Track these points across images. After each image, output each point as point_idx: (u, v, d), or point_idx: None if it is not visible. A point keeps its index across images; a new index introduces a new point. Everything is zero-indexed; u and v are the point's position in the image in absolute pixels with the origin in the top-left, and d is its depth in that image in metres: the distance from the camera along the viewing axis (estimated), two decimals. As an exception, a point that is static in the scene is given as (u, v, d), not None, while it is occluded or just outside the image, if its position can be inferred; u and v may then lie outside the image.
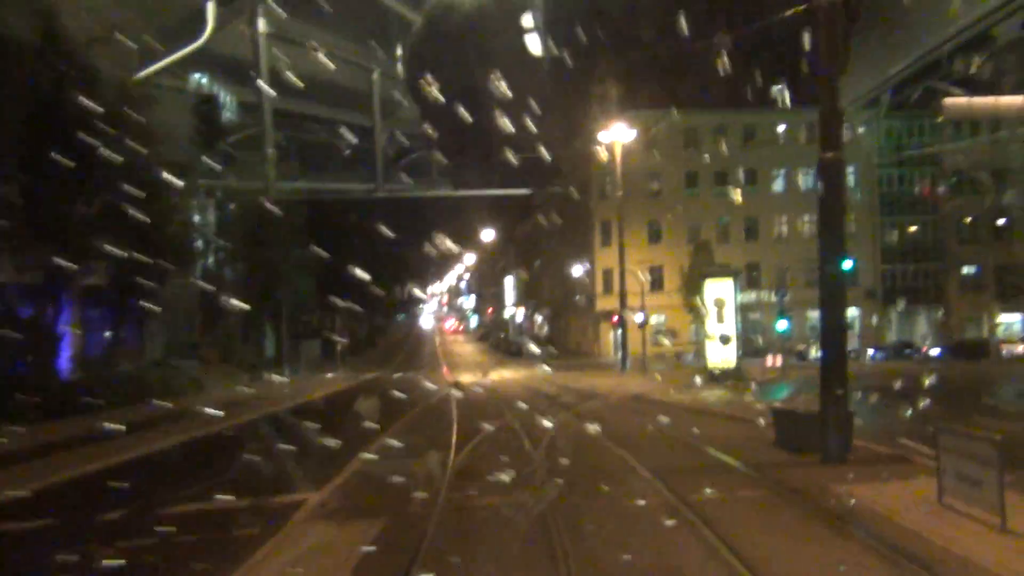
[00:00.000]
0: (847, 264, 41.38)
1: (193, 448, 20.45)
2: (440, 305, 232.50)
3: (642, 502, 12.09)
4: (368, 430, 20.96)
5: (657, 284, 65.89)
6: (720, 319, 34.74)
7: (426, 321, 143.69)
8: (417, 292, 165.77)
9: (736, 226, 68.67)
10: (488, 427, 20.81)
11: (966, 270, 70.54)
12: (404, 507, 12.30)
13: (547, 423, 21.52)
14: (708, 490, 12.39)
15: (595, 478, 13.95)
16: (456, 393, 32.00)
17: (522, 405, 27.77)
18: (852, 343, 62.59)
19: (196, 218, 49.17)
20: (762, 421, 20.88)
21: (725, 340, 34.16)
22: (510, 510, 11.87)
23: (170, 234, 42.01)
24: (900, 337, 67.83)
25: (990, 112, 69.85)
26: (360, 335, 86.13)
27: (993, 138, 68.86)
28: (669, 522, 10.71)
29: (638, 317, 48.02)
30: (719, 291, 36.66)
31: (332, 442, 18.43)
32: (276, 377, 52.32)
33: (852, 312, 68.42)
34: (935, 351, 59.45)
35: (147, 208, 23.51)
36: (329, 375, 49.11)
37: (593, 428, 20.60)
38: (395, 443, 19.07)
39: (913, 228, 71.56)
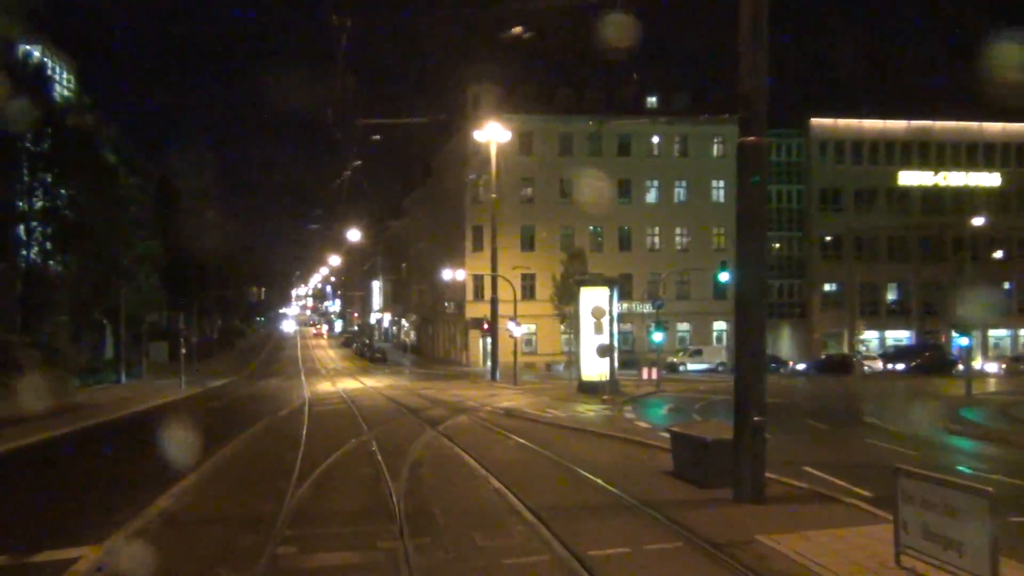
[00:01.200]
0: (724, 276, 40.73)
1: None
2: (305, 309, 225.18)
3: (530, 560, 9.45)
4: (190, 449, 17.61)
5: (529, 292, 63.99)
6: (599, 329, 32.77)
7: (288, 325, 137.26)
8: (279, 294, 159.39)
9: (610, 236, 67.57)
10: (338, 452, 17.80)
11: (828, 287, 72.13)
12: (212, 571, 9.23)
13: (410, 446, 18.74)
14: (608, 545, 9.87)
15: (467, 524, 11.24)
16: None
17: (382, 421, 24.78)
18: (719, 356, 62.69)
19: (19, 204, 43.79)
20: (649, 442, 18.80)
21: (604, 351, 32.20)
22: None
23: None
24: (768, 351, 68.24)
25: (854, 134, 72.51)
26: (212, 338, 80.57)
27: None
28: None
29: (510, 325, 45.74)
30: (595, 300, 34.70)
31: (139, 469, 15.04)
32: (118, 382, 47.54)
33: (720, 325, 68.79)
34: (801, 366, 59.87)
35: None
36: (173, 381, 44.35)
37: (461, 452, 17.94)
38: (219, 468, 15.86)
39: (777, 245, 72.38)
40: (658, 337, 42.21)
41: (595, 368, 34.90)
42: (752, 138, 12.44)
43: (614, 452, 18.28)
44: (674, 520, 11.01)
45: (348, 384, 45.91)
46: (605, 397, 31.65)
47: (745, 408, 12.22)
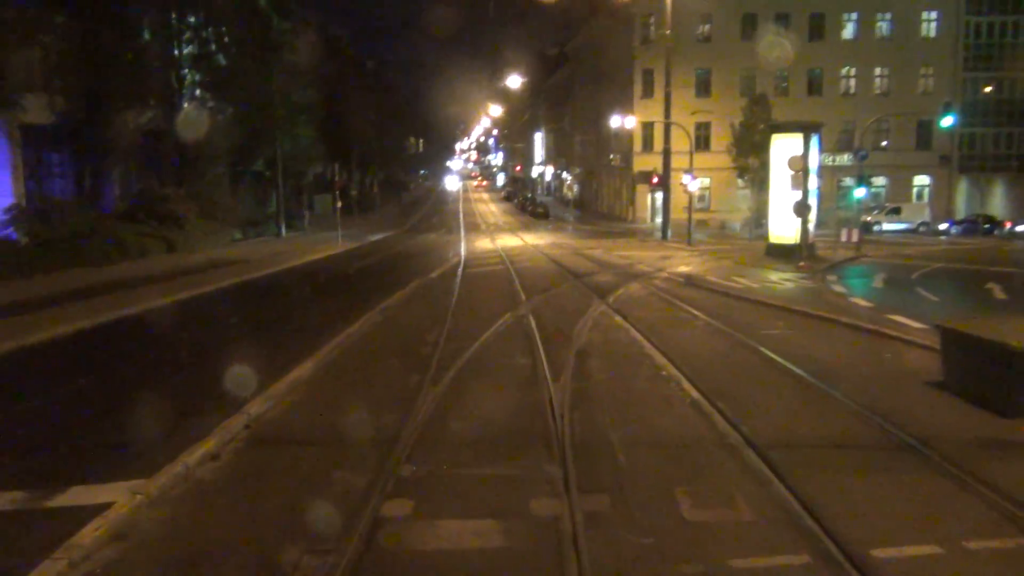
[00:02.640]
0: (947, 121, 34.16)
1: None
2: (468, 162, 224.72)
3: (776, 563, 5.83)
4: (324, 325, 14.92)
5: (703, 143, 58.34)
6: (796, 183, 27.75)
7: (451, 179, 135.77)
8: (443, 147, 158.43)
9: (797, 79, 60.04)
10: (488, 332, 14.61)
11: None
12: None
13: (575, 326, 15.31)
14: (899, 536, 6.10)
15: (662, 469, 7.74)
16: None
17: (542, 288, 21.49)
18: (921, 215, 55.53)
19: (174, 51, 42.16)
20: (885, 331, 14.55)
21: (801, 210, 27.32)
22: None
23: (130, 61, 35.58)
24: (971, 210, 60.05)
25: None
26: (374, 191, 79.72)
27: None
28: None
29: (685, 179, 40.91)
30: (789, 149, 29.48)
31: (245, 354, 12.37)
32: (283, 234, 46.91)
33: (922, 180, 60.98)
34: (1021, 227, 51.99)
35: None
36: (332, 236, 42.89)
37: (640, 338, 14.33)
38: (345, 351, 13.01)
39: (988, 88, 62.40)
40: (860, 193, 36.48)
41: (786, 229, 30.09)
42: None
43: (842, 344, 14.14)
44: (994, 485, 7.04)
45: (508, 241, 43.03)
46: (801, 264, 27.03)
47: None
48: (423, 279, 24.37)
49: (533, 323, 15.80)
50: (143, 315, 17.90)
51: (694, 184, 40.69)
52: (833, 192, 53.61)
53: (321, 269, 30.09)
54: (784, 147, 29.86)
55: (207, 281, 23.75)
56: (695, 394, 10.32)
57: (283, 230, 48.60)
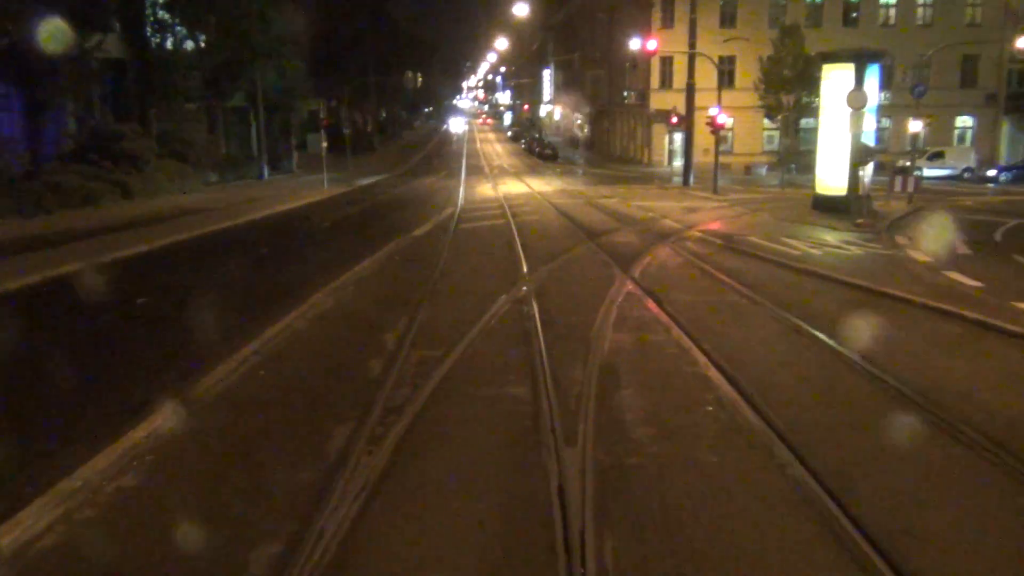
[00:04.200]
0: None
1: None
2: (475, 100, 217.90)
3: None
4: (233, 329, 10.73)
5: (726, 80, 53.15)
6: (854, 125, 23.11)
7: (457, 119, 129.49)
8: (449, 84, 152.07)
9: (832, 8, 54.67)
10: (473, 331, 10.29)
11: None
12: None
13: (595, 321, 11.03)
14: None
15: None
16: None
17: (550, 255, 17.16)
18: (966, 160, 50.66)
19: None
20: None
21: (864, 156, 22.73)
22: None
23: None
24: (1013, 155, 55.03)
25: None
26: (369, 130, 74.73)
27: None
28: None
29: (713, 111, 35.97)
30: (844, 82, 24.81)
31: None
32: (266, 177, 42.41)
33: (964, 121, 55.92)
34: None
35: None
36: (321, 179, 38.41)
37: (687, 342, 10.06)
38: (243, 380, 8.68)
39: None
40: (914, 131, 31.78)
41: (839, 178, 25.53)
42: None
43: (998, 364, 9.77)
44: None
45: (512, 187, 38.50)
46: (860, 220, 22.59)
47: None
48: (404, 239, 20.05)
49: (536, 313, 11.53)
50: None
51: (722, 119, 35.77)
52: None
53: (290, 222, 25.78)
54: (839, 80, 25.13)
55: (140, 239, 19.47)
56: (797, 467, 6.13)
57: (265, 172, 44.14)
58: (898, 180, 29.38)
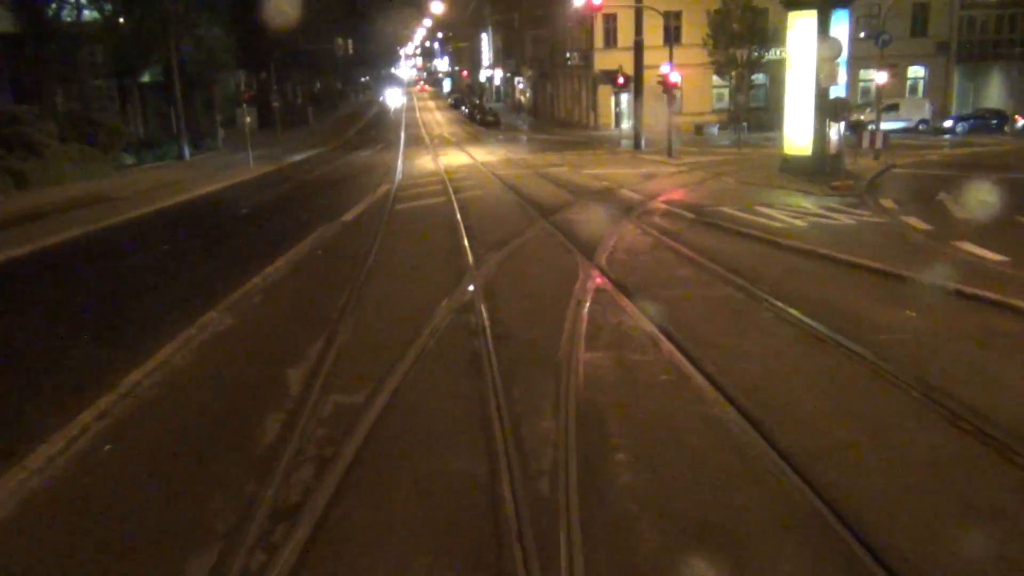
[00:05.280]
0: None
1: None
2: (414, 68, 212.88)
3: None
4: (104, 360, 8.19)
5: (672, 37, 50.90)
6: (827, 78, 20.95)
7: (394, 90, 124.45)
8: (384, 54, 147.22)
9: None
10: (404, 364, 7.80)
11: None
12: None
13: (561, 330, 8.66)
14: None
15: None
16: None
17: (498, 239, 14.72)
18: (920, 111, 49.23)
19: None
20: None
21: (838, 110, 20.64)
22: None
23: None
24: (963, 104, 53.86)
25: None
26: (297, 103, 71.01)
27: None
28: None
29: (664, 68, 33.56)
30: (807, 30, 22.69)
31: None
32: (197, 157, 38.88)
33: (916, 72, 54.47)
34: None
35: None
36: (246, 157, 35.21)
37: (686, 363, 7.76)
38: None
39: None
40: (880, 83, 29.90)
41: (806, 137, 23.45)
42: None
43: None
44: None
45: (453, 159, 35.75)
46: (836, 183, 20.54)
47: None
48: (330, 226, 17.40)
49: (486, 323, 9.15)
50: None
51: (674, 76, 33.39)
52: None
53: (203, 209, 22.86)
54: (805, 29, 22.96)
55: (12, 241, 16.53)
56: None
57: (186, 152, 40.70)
58: (866, 136, 27.41)
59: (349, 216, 18.98)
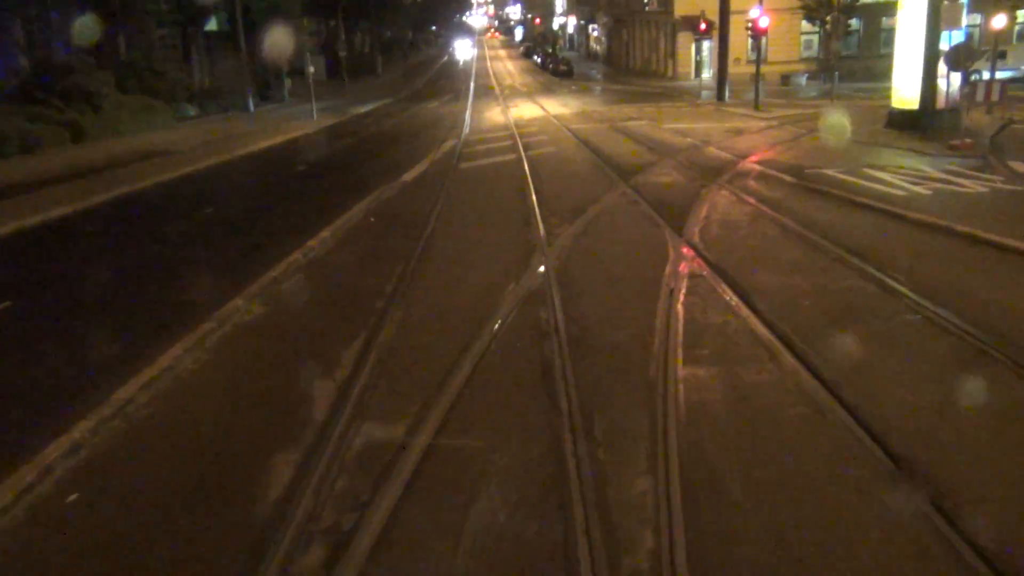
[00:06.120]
0: None
1: None
2: (486, 15, 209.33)
3: None
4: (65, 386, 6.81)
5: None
6: (952, 20, 18.50)
7: (464, 40, 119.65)
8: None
9: None
10: (451, 375, 6.23)
11: None
12: None
13: (649, 341, 6.95)
14: None
15: None
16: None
17: (572, 206, 12.99)
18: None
19: None
20: None
21: (961, 58, 18.19)
22: None
23: None
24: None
25: None
26: (367, 52, 69.38)
27: None
28: None
29: (754, 12, 30.87)
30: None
31: None
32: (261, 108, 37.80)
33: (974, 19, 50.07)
34: None
35: None
36: (313, 107, 33.85)
37: (819, 391, 6.01)
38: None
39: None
40: (998, 27, 26.92)
41: (913, 88, 20.97)
42: None
43: None
44: None
45: (524, 111, 33.80)
46: (956, 142, 18.14)
47: None
48: (388, 187, 15.87)
49: (559, 321, 7.53)
50: None
51: (764, 21, 30.64)
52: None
53: (259, 165, 21.61)
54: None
55: (56, 199, 15.44)
56: None
57: (251, 104, 39.60)
58: (981, 87, 24.63)
59: (410, 175, 17.44)
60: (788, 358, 6.58)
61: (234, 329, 7.96)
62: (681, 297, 8.26)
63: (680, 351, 6.83)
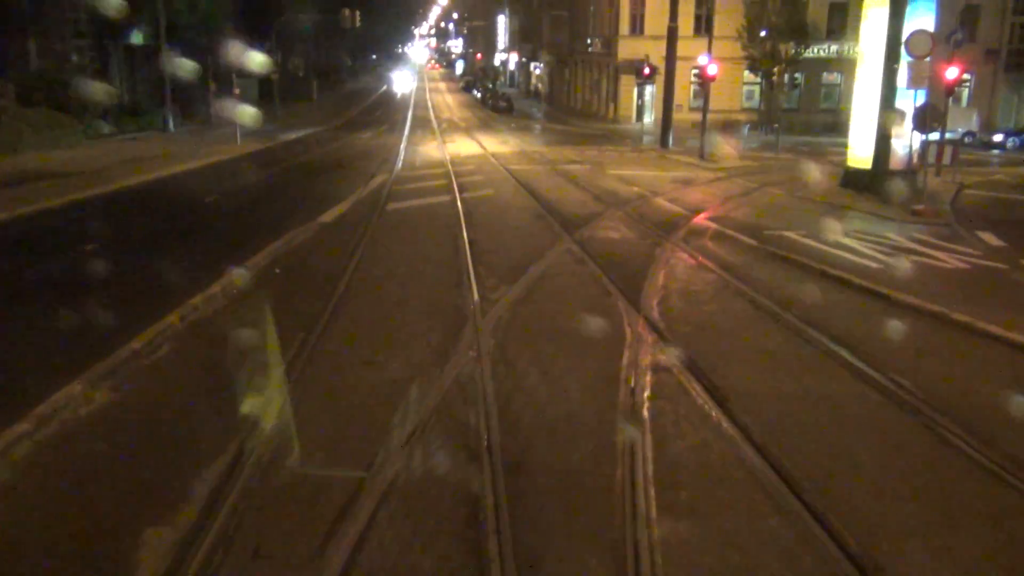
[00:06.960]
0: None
1: None
2: (428, 47, 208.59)
3: None
4: None
5: (702, 27, 47.28)
6: (916, 79, 17.52)
7: (404, 72, 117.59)
8: (396, 30, 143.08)
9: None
10: (380, 433, 4.36)
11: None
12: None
13: (609, 464, 5.18)
14: None
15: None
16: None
17: (512, 261, 11.30)
18: (967, 122, 45.68)
19: None
20: None
21: (925, 119, 17.17)
22: None
23: None
24: (1006, 118, 50.25)
25: None
26: (295, 77, 67.10)
27: None
28: None
29: (702, 59, 29.85)
30: (881, 23, 19.26)
31: None
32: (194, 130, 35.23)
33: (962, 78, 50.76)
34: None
35: None
36: (237, 131, 31.61)
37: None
38: None
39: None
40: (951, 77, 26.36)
41: (867, 148, 20.03)
42: None
43: None
44: None
45: (461, 147, 32.14)
46: (918, 207, 17.07)
47: None
48: (303, 230, 13.96)
49: (493, 437, 5.77)
50: None
51: (713, 68, 29.67)
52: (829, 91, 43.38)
53: (160, 195, 19.38)
54: (879, 22, 19.49)
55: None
56: None
57: (171, 123, 37.17)
58: (932, 149, 23.91)
59: (330, 216, 15.53)
60: (802, 512, 4.92)
61: (60, 435, 5.96)
62: (646, 404, 6.57)
63: (653, 491, 5.12)
